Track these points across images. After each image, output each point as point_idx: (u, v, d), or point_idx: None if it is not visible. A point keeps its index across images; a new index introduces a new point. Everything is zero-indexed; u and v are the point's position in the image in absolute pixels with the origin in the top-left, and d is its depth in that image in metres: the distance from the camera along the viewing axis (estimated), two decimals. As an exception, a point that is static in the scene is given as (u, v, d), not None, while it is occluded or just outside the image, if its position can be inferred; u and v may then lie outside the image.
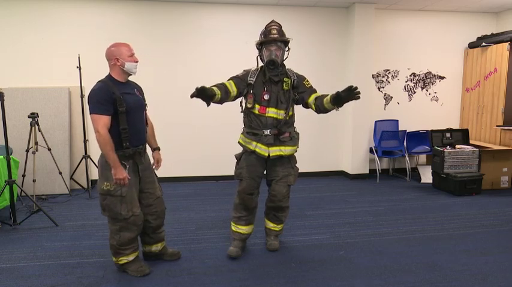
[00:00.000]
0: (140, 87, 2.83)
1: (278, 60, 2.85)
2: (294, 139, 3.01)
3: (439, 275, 2.76)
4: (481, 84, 5.78)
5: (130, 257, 2.72)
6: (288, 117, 2.92)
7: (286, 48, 2.94)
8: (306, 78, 3.03)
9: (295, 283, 2.67)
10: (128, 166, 2.59)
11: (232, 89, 2.84)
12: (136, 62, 2.63)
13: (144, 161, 2.75)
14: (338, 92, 2.65)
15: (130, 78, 2.73)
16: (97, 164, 2.72)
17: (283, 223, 3.20)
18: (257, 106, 2.89)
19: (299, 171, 3.12)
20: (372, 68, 5.71)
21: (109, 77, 2.61)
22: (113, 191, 2.56)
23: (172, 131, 5.31)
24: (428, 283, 2.66)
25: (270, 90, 2.89)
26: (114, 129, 2.53)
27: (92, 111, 2.51)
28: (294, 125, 3.05)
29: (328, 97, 2.78)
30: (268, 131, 2.89)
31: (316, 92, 3.00)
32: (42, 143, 4.57)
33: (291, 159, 3.04)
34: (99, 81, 2.59)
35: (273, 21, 2.94)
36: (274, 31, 2.86)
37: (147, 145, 2.84)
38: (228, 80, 2.91)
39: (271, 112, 2.88)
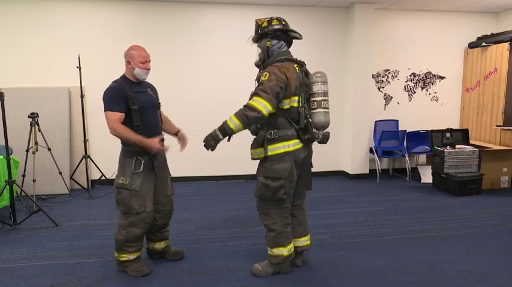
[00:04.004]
0: (154, 87, 2.91)
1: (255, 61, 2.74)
2: (256, 142, 2.63)
3: (439, 275, 2.76)
4: (481, 84, 5.78)
5: (132, 256, 2.73)
6: None
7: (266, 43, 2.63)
8: (265, 73, 2.50)
9: (295, 283, 2.67)
10: (143, 161, 2.64)
11: None
12: (148, 69, 2.71)
13: (159, 158, 2.79)
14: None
15: None
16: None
17: (267, 244, 2.75)
18: None
19: None
20: (372, 68, 5.71)
21: (123, 76, 2.72)
22: (127, 185, 2.62)
23: (172, 131, 5.30)
24: (428, 283, 2.66)
25: None
26: (128, 126, 2.61)
27: (105, 109, 2.60)
28: (274, 128, 2.57)
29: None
30: None
31: (252, 97, 2.49)
32: (42, 143, 4.57)
33: (259, 167, 2.66)
34: (113, 81, 2.69)
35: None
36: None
37: (170, 136, 2.96)
38: None
39: None
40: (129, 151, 2.66)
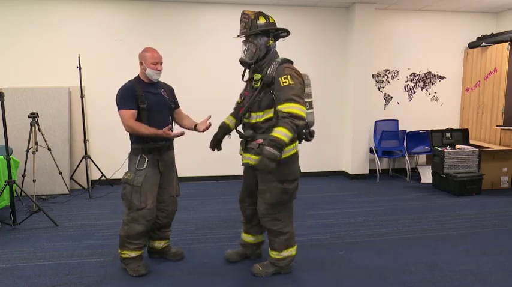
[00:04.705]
0: (170, 88, 2.97)
1: (243, 59, 2.63)
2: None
3: (439, 275, 2.76)
4: (481, 84, 5.78)
5: (132, 254, 2.74)
6: (256, 121, 2.57)
7: (261, 41, 2.58)
8: (288, 76, 2.42)
9: (295, 283, 2.67)
10: (147, 159, 2.67)
11: None
12: (159, 70, 2.75)
13: (166, 158, 2.82)
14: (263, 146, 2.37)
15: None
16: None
17: (274, 249, 2.71)
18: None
19: None
20: (372, 68, 5.70)
21: (137, 77, 2.79)
22: (130, 181, 2.67)
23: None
24: (428, 283, 2.66)
25: (250, 89, 2.67)
26: None
27: (119, 109, 2.67)
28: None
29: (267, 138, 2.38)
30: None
31: (285, 103, 2.38)
32: (42, 143, 4.57)
33: (274, 172, 2.48)
34: (128, 81, 2.75)
35: (243, 12, 2.63)
36: (242, 24, 2.62)
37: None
38: None
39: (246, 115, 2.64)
40: (136, 148, 2.72)
